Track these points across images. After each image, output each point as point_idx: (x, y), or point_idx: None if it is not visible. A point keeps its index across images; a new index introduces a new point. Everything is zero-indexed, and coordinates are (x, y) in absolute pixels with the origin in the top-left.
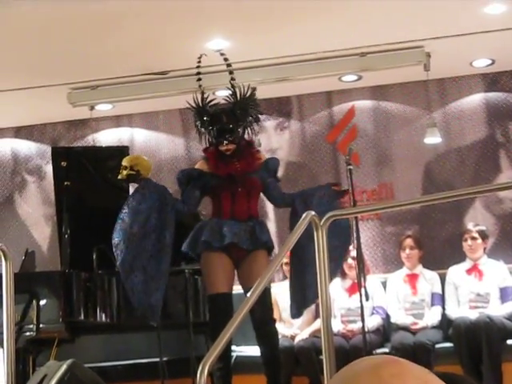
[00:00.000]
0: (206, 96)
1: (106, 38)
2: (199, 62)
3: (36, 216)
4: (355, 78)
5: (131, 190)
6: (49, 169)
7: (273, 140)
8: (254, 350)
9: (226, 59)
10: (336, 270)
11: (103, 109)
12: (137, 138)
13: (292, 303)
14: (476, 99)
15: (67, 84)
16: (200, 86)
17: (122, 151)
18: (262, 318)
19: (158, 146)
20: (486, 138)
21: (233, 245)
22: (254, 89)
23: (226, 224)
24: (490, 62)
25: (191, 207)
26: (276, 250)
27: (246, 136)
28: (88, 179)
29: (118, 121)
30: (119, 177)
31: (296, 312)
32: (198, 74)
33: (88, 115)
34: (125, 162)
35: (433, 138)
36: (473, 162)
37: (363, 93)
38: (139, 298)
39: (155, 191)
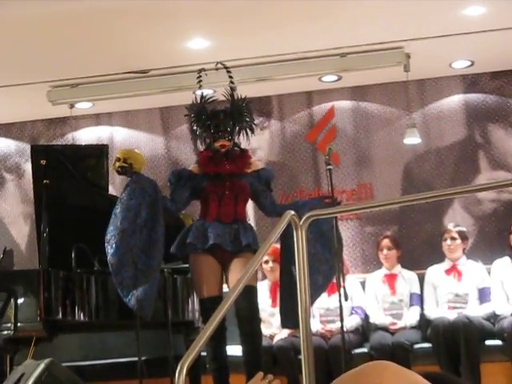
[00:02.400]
0: (204, 96)
1: (86, 37)
2: (200, 72)
3: (15, 214)
4: (335, 78)
5: (111, 189)
6: (28, 167)
7: (253, 140)
8: (233, 350)
9: (226, 67)
10: (324, 284)
11: (83, 107)
12: (117, 136)
13: (285, 313)
14: (455, 100)
15: (47, 82)
16: (200, 87)
17: (101, 150)
18: (248, 316)
19: (137, 144)
20: (465, 138)
21: (217, 246)
22: (250, 101)
23: (211, 226)
24: (469, 63)
25: (179, 206)
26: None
27: (239, 141)
28: (67, 177)
29: (97, 119)
30: (111, 168)
31: (291, 322)
32: (200, 77)
33: (68, 113)
34: (118, 154)
35: (412, 139)
36: (452, 163)
37: (343, 93)
38: (128, 292)
39: (146, 186)
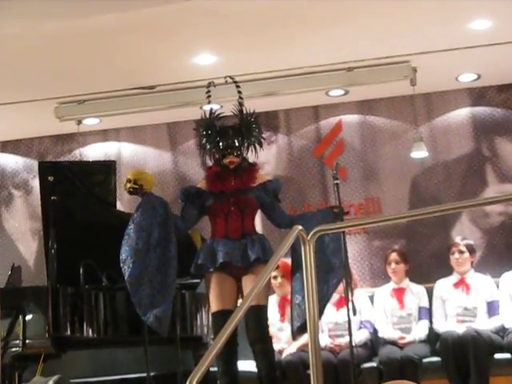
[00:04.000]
0: (213, 111)
1: (93, 53)
2: (209, 86)
3: (23, 230)
4: (342, 92)
5: (119, 205)
6: (35, 183)
7: (260, 154)
8: (244, 365)
9: (235, 82)
10: (330, 292)
11: (90, 123)
12: (124, 152)
13: (296, 322)
14: (462, 114)
15: (54, 98)
16: (209, 102)
17: (109, 166)
18: (257, 335)
19: (145, 160)
20: (472, 152)
21: (228, 263)
22: (258, 115)
23: (220, 244)
24: (475, 76)
25: (189, 224)
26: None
27: (247, 156)
28: (75, 194)
29: (105, 135)
30: (122, 188)
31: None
32: (209, 91)
33: (75, 129)
34: (129, 176)
35: (419, 153)
36: (459, 177)
37: (350, 107)
38: (146, 310)
39: (157, 206)
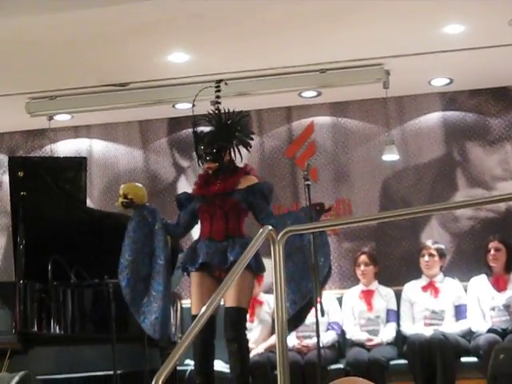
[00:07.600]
0: (197, 120)
1: (65, 49)
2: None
3: None
4: (315, 94)
5: (89, 202)
6: (5, 179)
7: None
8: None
9: (218, 87)
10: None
11: (62, 119)
12: (95, 149)
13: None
14: (434, 118)
15: (26, 93)
16: (193, 111)
17: (79, 162)
18: (234, 335)
19: (116, 157)
20: (443, 156)
21: (208, 264)
22: (246, 115)
23: (203, 245)
24: (448, 81)
25: (181, 230)
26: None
27: (232, 157)
28: (45, 190)
29: (76, 131)
30: (116, 203)
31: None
32: (218, 87)
33: (46, 125)
34: (120, 191)
35: (391, 156)
36: (430, 180)
37: (322, 109)
38: (144, 318)
39: (149, 217)
